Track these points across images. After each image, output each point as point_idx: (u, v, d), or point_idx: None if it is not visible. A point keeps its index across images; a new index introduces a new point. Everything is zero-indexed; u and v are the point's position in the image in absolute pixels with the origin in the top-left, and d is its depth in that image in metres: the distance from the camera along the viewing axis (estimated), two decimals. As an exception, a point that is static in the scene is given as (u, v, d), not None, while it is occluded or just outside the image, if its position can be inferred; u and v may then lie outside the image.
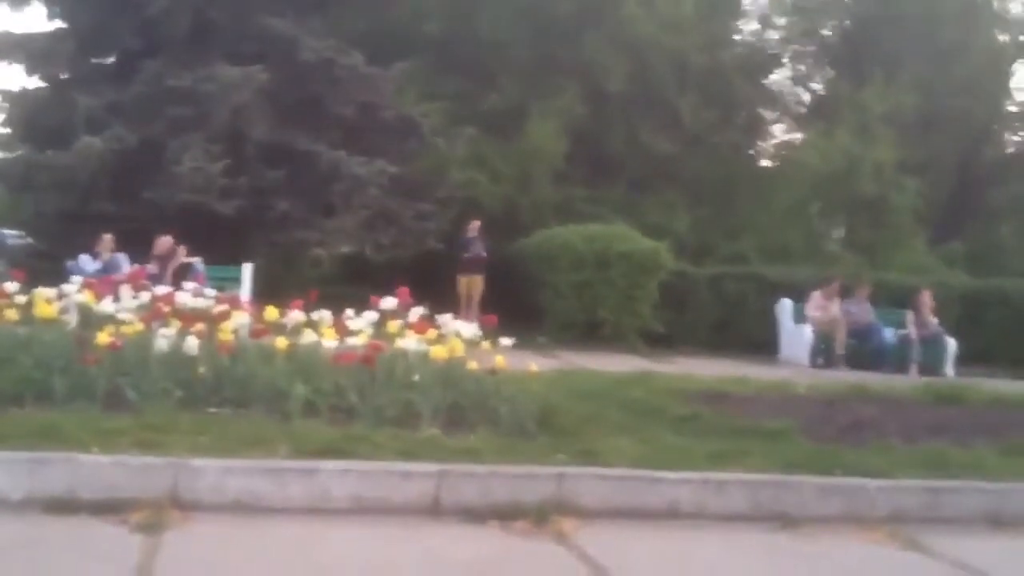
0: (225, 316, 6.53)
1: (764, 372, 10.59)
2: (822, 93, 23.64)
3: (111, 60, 16.38)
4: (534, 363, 6.87)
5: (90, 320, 6.26)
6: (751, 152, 21.93)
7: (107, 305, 6.48)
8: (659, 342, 14.17)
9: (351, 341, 6.41)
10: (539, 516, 4.64)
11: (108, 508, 4.22)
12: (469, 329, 6.84)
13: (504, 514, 4.64)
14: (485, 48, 17.59)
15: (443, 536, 4.45)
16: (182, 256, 12.06)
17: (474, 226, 14.96)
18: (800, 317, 14.22)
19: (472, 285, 14.58)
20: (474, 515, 4.64)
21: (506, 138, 17.17)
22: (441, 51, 17.42)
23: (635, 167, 18.35)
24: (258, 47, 14.81)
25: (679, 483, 5.02)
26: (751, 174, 20.64)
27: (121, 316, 6.28)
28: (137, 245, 12.14)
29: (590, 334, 13.90)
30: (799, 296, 14.48)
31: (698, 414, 6.87)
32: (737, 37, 21.77)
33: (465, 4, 17.76)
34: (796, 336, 14.07)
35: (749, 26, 22.83)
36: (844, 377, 10.85)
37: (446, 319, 7.02)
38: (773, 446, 5.88)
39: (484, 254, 14.80)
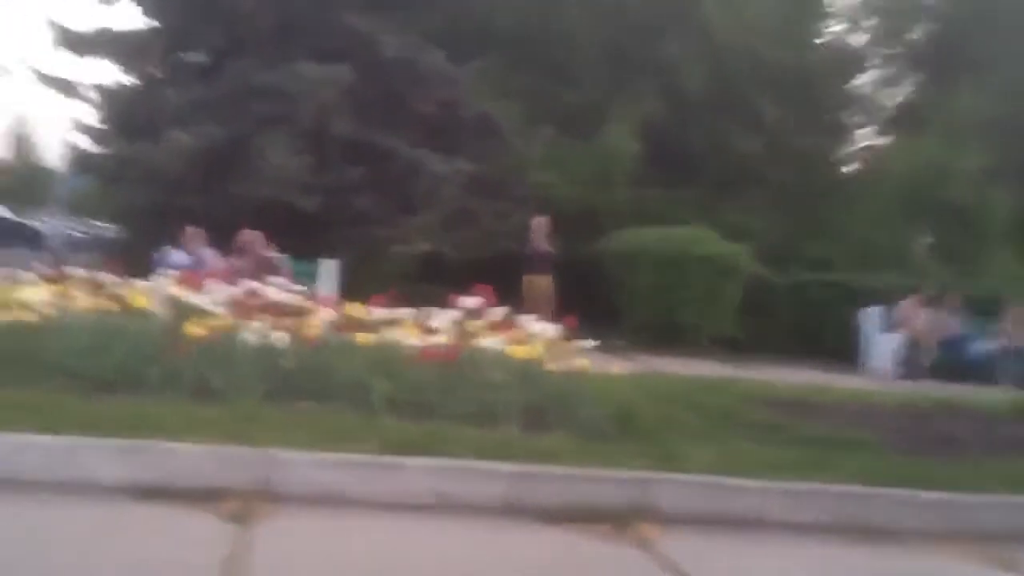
0: (311, 311, 6.63)
1: (846, 381, 10.40)
2: (909, 97, 23.09)
3: (200, 58, 16.73)
4: (613, 365, 6.85)
5: (181, 312, 6.40)
6: (835, 156, 21.53)
7: (196, 297, 6.63)
8: (738, 348, 14.01)
9: (432, 339, 6.46)
10: (619, 520, 4.62)
11: (199, 497, 4.31)
12: (549, 330, 6.85)
13: (584, 517, 4.64)
14: (562, 46, 17.55)
15: (522, 537, 4.46)
16: (265, 250, 12.25)
17: (537, 223, 14.41)
18: (885, 326, 13.93)
19: (534, 284, 13.83)
20: (553, 517, 4.64)
21: (582, 138, 17.12)
22: (517, 48, 17.41)
23: (715, 169, 18.15)
24: (341, 45, 14.99)
25: (762, 492, 4.96)
26: (835, 179, 20.28)
27: (210, 309, 6.41)
28: (222, 239, 12.38)
29: (668, 338, 13.79)
30: (884, 304, 14.18)
31: (779, 422, 6.77)
32: (822, 39, 21.38)
33: (543, 1, 17.75)
34: (880, 345, 13.81)
35: (835, 28, 22.40)
36: (930, 389, 10.60)
37: (526, 319, 7.05)
38: (856, 457, 5.77)
39: (550, 251, 14.09)
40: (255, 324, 6.10)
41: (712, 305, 14.20)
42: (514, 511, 4.68)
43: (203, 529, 4.07)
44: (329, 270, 12.96)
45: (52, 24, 15.90)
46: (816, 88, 18.90)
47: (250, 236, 12.33)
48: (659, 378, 8.87)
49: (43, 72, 16.85)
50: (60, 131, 34.14)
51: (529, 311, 7.75)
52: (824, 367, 12.48)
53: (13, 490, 4.26)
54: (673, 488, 4.86)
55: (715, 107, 17.93)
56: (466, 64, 15.83)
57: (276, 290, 7.32)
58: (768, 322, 14.88)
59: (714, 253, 14.25)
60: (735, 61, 17.69)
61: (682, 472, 5.03)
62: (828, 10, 21.60)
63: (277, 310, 6.64)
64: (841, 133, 21.62)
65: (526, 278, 13.86)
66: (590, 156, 17.03)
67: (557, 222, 14.56)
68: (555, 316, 7.63)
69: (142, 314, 6.31)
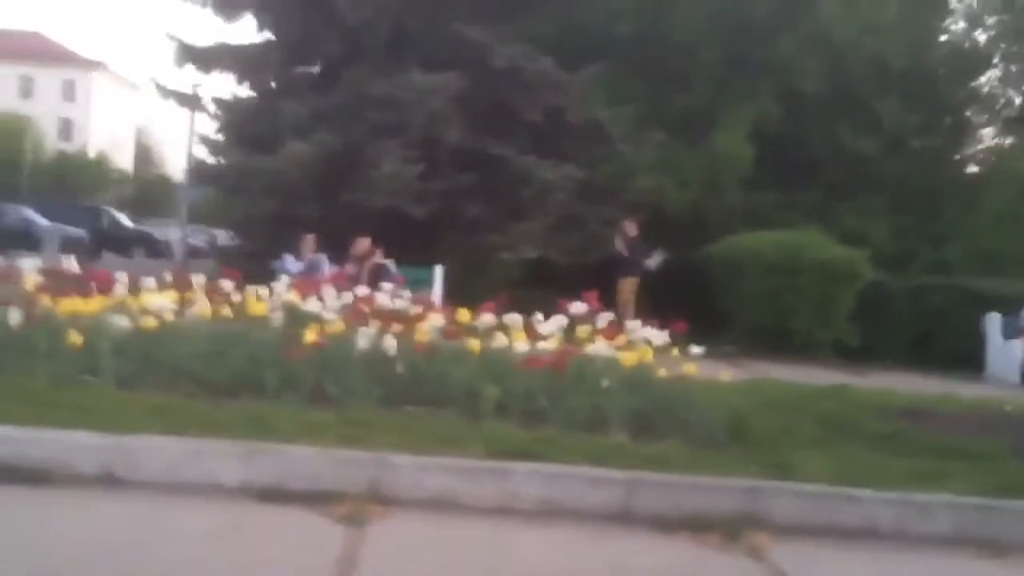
0: (421, 317, 6.74)
1: (969, 389, 10.02)
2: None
3: (315, 69, 17.14)
4: (722, 372, 6.77)
5: (296, 318, 6.57)
6: (957, 157, 20.81)
7: (312, 304, 6.80)
8: (853, 354, 13.65)
9: (541, 345, 6.49)
10: (731, 529, 4.56)
11: (314, 499, 4.42)
12: (657, 336, 6.81)
13: (694, 525, 4.59)
14: (676, 50, 17.40)
15: (632, 544, 4.44)
16: (378, 257, 12.47)
17: (628, 226, 14.65)
18: (1010, 332, 13.39)
19: (624, 287, 14.23)
20: (663, 524, 4.61)
21: (695, 142, 16.94)
22: (631, 54, 17.34)
23: (831, 172, 17.75)
24: (452, 54, 15.17)
25: (878, 502, 4.83)
26: (957, 180, 19.61)
27: (325, 315, 6.58)
28: (336, 246, 12.64)
29: (779, 344, 13.51)
30: (1010, 309, 13.63)
31: (898, 431, 6.59)
32: (943, 38, 20.71)
33: (656, 6, 17.64)
34: (1006, 352, 13.28)
35: (957, 25, 21.67)
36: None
37: (635, 325, 7.02)
38: (980, 468, 5.57)
39: (627, 254, 14.48)
40: (367, 330, 6.23)
41: (826, 311, 13.86)
42: (623, 518, 4.67)
43: (317, 530, 4.17)
44: (439, 276, 13.11)
45: (173, 39, 16.50)
46: (937, 87, 18.34)
47: (363, 243, 12.57)
48: (771, 385, 8.72)
49: (165, 86, 17.52)
50: (181, 143, 35.38)
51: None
52: (944, 374, 12.05)
53: (138, 490, 4.45)
54: (785, 497, 4.77)
55: (831, 108, 17.55)
56: (578, 71, 15.84)
57: (387, 296, 7.47)
58: (885, 328, 14.43)
59: (828, 258, 13.91)
60: (853, 61, 17.29)
61: (795, 481, 4.93)
62: (950, 8, 20.92)
63: (388, 316, 6.76)
64: (963, 133, 20.88)
65: (623, 280, 14.26)
66: (702, 160, 16.85)
67: (664, 227, 14.46)
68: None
69: (260, 321, 6.51)
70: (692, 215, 16.37)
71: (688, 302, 12.55)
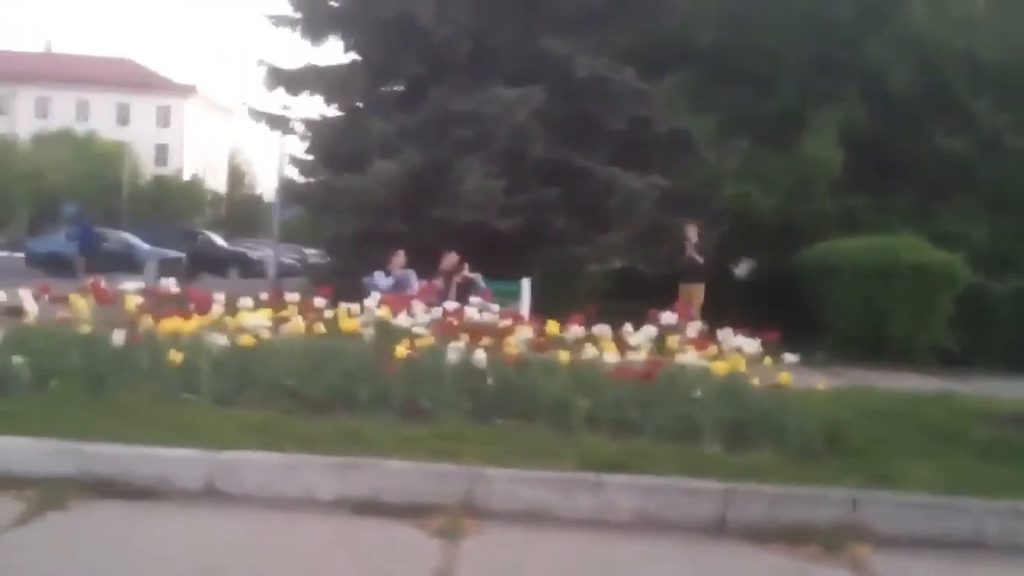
0: (510, 330, 6.77)
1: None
2: None
3: (400, 87, 17.37)
4: (817, 380, 6.66)
5: (387, 334, 6.67)
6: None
7: (402, 319, 6.89)
8: (952, 361, 13.27)
9: (631, 356, 6.47)
10: (830, 540, 4.47)
11: (408, 512, 4.47)
12: (750, 345, 6.72)
13: (792, 536, 4.51)
14: (759, 55, 17.18)
15: (729, 556, 4.38)
16: (466, 272, 12.56)
17: (691, 231, 14.31)
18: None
19: (688, 294, 13.60)
20: (760, 536, 4.54)
21: (781, 147, 16.69)
22: (714, 60, 17.18)
23: (924, 173, 17.29)
24: (534, 67, 15.23)
25: (985, 512, 4.68)
26: (1057, 178, 18.92)
27: (415, 330, 6.66)
28: (424, 261, 12.77)
29: (874, 351, 13.20)
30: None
31: (1004, 438, 6.38)
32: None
33: (739, 11, 17.45)
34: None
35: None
36: None
37: (726, 334, 6.94)
38: (1094, 476, 5.36)
39: (700, 260, 14.07)
40: (457, 344, 6.28)
41: (923, 316, 13.50)
42: (720, 530, 4.62)
43: (412, 543, 4.21)
44: (526, 289, 13.14)
45: (263, 64, 16.91)
46: (1031, 83, 17.73)
47: (450, 258, 12.68)
48: (868, 393, 8.51)
49: (256, 109, 17.97)
50: (272, 164, 36.17)
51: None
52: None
53: (239, 504, 4.56)
54: (886, 507, 4.66)
55: (922, 108, 17.12)
56: (660, 80, 15.77)
57: (476, 310, 7.53)
58: (986, 333, 13.99)
59: (925, 261, 13.56)
60: (943, 60, 16.85)
61: (895, 490, 4.81)
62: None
63: (478, 330, 6.81)
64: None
65: (681, 287, 13.86)
66: (789, 165, 16.58)
67: (753, 234, 14.21)
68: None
69: (352, 337, 6.62)
70: (781, 221, 16.09)
71: (780, 310, 12.40)
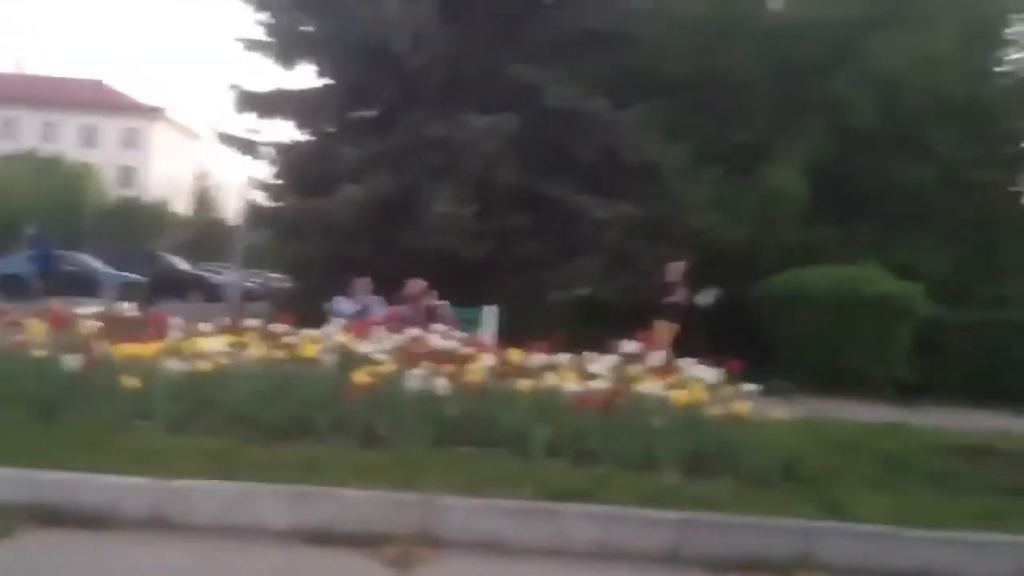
0: (472, 358, 6.76)
1: (1032, 427, 9.78)
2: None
3: (372, 113, 17.39)
4: (776, 410, 6.70)
5: (349, 360, 6.64)
6: (1015, 189, 20.41)
7: (364, 346, 6.87)
8: (910, 391, 13.38)
9: (592, 384, 6.48)
10: (783, 570, 4.50)
11: (363, 541, 4.45)
12: (709, 375, 6.76)
13: (747, 566, 4.55)
14: (728, 88, 17.37)
15: (684, 586, 4.39)
16: (432, 298, 12.53)
17: (677, 267, 13.55)
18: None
19: (666, 332, 12.66)
20: (716, 566, 4.57)
21: (748, 178, 16.85)
22: (684, 92, 17.34)
23: (886, 205, 17.50)
24: (506, 96, 15.30)
25: (935, 543, 4.74)
26: (1015, 212, 19.20)
27: (377, 357, 6.63)
28: (390, 287, 12.73)
29: (835, 381, 13.31)
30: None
31: (957, 470, 6.46)
32: (1000, 68, 20.40)
33: (710, 45, 17.65)
34: (1068, 388, 12.92)
35: (1014, 56, 21.32)
36: None
37: (687, 363, 6.98)
38: (1044, 508, 5.43)
39: (680, 300, 13.22)
40: (419, 371, 6.27)
41: (881, 347, 13.64)
42: (676, 559, 4.64)
43: (364, 573, 4.18)
44: (491, 316, 13.14)
45: (235, 87, 16.87)
46: (994, 118, 18.01)
47: (417, 284, 12.65)
48: (825, 423, 8.58)
49: (225, 133, 17.91)
50: (238, 187, 35.99)
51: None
52: (1006, 411, 11.76)
53: (190, 533, 4.51)
54: (839, 538, 4.71)
55: (886, 142, 17.35)
56: (630, 109, 15.89)
57: (439, 337, 7.51)
58: (943, 364, 14.12)
59: (884, 292, 13.71)
60: (907, 94, 17.11)
61: (850, 521, 4.85)
62: (1007, 39, 20.61)
63: (440, 357, 6.80)
64: (1021, 164, 20.50)
65: (658, 324, 12.74)
66: (755, 196, 16.73)
67: (718, 264, 14.24)
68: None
69: (312, 363, 6.58)
70: (746, 252, 16.22)
71: (742, 339, 12.45)
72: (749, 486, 5.41)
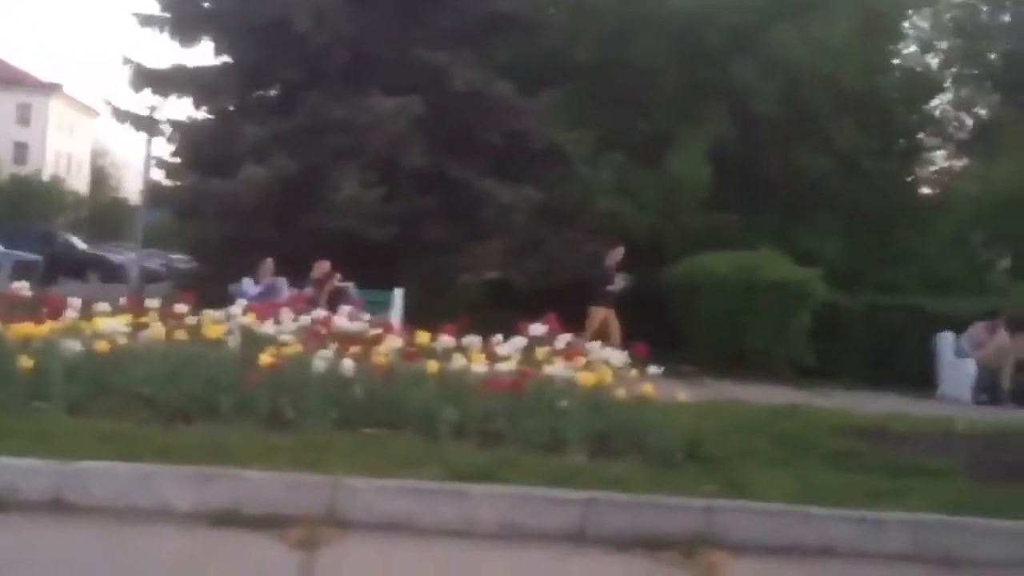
0: (379, 340, 6.72)
1: (923, 408, 10.15)
2: (986, 118, 22.62)
3: (273, 92, 17.09)
4: (681, 392, 6.82)
5: (253, 342, 6.53)
6: (910, 179, 21.12)
7: (269, 327, 6.76)
8: (810, 374, 13.76)
9: (500, 366, 6.49)
10: (688, 548, 4.57)
11: (269, 523, 4.37)
12: (615, 357, 6.84)
13: (651, 544, 4.60)
14: (635, 75, 17.54)
15: (590, 564, 4.44)
16: (337, 280, 12.41)
17: (618, 253, 13.93)
18: (962, 351, 13.59)
19: (612, 319, 13.32)
20: (620, 544, 4.61)
21: (654, 165, 17.06)
22: (591, 79, 17.47)
23: (787, 193, 17.93)
24: (412, 78, 15.20)
25: (834, 520, 4.86)
26: (910, 201, 19.87)
27: (282, 338, 6.54)
28: (295, 269, 12.57)
29: (737, 364, 13.62)
30: (960, 329, 13.85)
31: (854, 450, 6.66)
32: (896, 61, 21.05)
33: (617, 32, 17.78)
34: (957, 371, 13.45)
35: (909, 50, 22.06)
36: (1010, 415, 10.30)
37: (594, 346, 7.05)
38: (934, 485, 5.64)
39: (614, 286, 13.52)
40: (325, 352, 6.20)
41: (782, 331, 14.00)
42: (582, 539, 4.67)
43: (270, 555, 4.12)
44: (398, 299, 13.08)
45: (130, 63, 16.38)
46: (890, 110, 18.59)
47: (322, 267, 12.52)
48: (728, 405, 8.78)
49: (121, 109, 17.39)
50: (138, 166, 35.04)
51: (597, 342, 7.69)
52: (899, 393, 12.20)
53: (89, 515, 4.38)
54: (741, 516, 4.79)
55: (787, 130, 17.73)
56: (537, 94, 15.92)
57: (346, 319, 7.44)
58: (840, 347, 14.58)
59: (784, 278, 14.06)
60: (807, 84, 17.51)
61: (751, 500, 4.96)
62: (903, 32, 21.26)
63: (347, 339, 6.74)
64: (916, 155, 21.21)
65: (602, 311, 13.42)
66: (660, 183, 16.94)
67: (626, 249, 14.37)
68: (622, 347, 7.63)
69: (215, 344, 6.46)
70: (652, 238, 16.43)
71: (649, 324, 12.64)
72: (654, 466, 5.49)
